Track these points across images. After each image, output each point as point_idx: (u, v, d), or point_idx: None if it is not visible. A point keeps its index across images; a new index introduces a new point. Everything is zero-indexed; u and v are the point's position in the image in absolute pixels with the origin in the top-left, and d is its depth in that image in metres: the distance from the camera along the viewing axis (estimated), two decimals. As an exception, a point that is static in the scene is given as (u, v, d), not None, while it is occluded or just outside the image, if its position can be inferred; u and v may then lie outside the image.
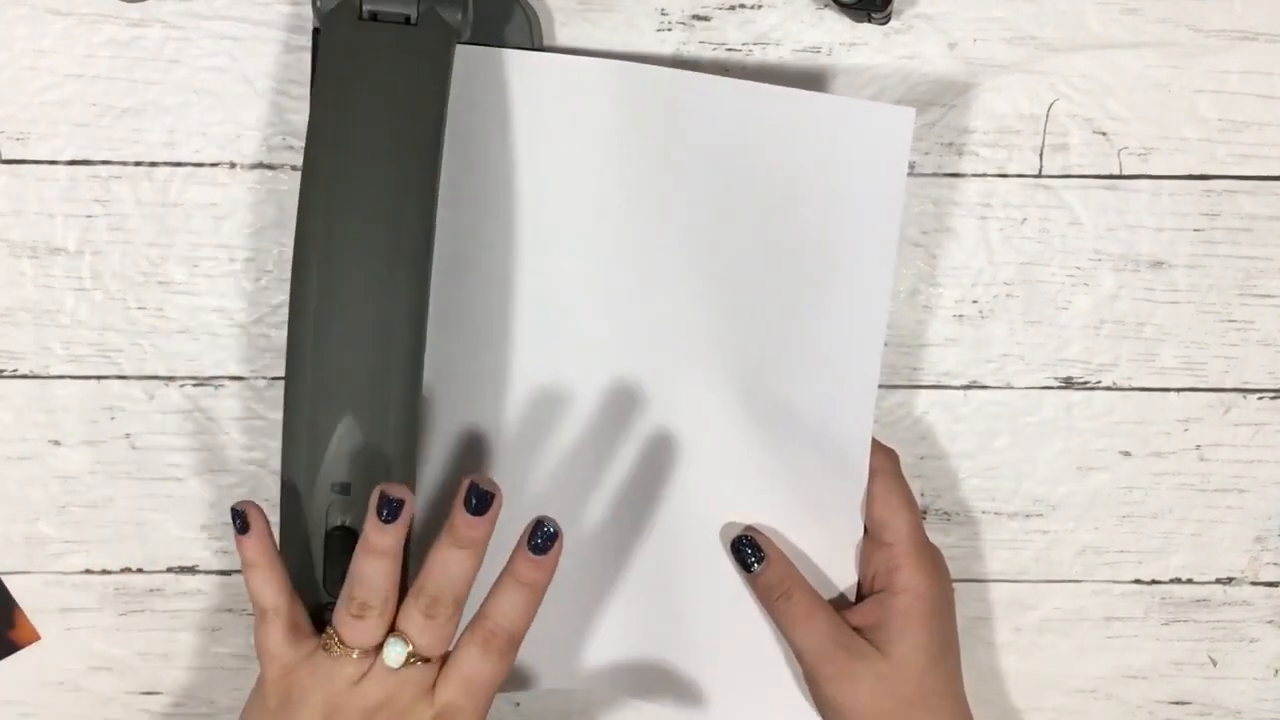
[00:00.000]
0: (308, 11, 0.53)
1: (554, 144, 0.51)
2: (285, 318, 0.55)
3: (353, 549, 0.45)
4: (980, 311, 0.56)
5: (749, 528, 0.52)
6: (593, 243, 0.51)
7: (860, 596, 0.52)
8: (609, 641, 0.54)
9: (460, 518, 0.44)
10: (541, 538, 0.45)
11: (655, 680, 0.54)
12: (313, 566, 0.47)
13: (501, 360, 0.52)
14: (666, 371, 0.52)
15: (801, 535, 0.52)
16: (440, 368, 0.52)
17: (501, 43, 0.51)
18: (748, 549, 0.52)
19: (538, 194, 0.51)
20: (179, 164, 0.55)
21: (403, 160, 0.46)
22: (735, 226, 0.51)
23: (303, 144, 0.46)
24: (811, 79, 0.54)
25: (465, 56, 0.49)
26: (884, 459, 0.51)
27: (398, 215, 0.45)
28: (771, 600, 0.51)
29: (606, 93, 0.50)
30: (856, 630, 0.50)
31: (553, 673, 0.54)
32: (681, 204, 0.51)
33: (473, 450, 0.53)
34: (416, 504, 0.52)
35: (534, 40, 0.52)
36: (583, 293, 0.52)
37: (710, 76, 0.50)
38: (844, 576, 0.52)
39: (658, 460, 0.53)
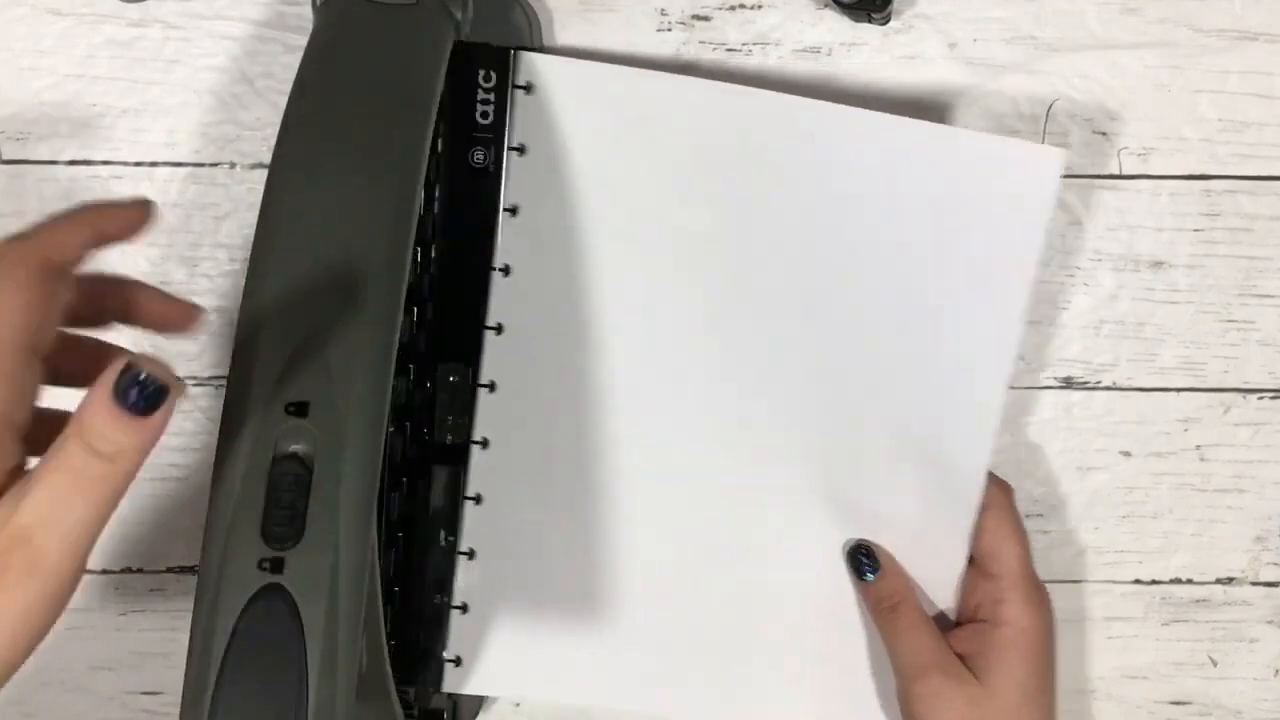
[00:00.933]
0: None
1: (658, 167, 0.51)
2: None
3: (307, 486, 0.38)
4: (980, 311, 0.56)
5: (864, 539, 0.53)
6: (705, 265, 0.51)
7: (958, 624, 0.52)
8: (692, 666, 0.54)
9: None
10: (140, 390, 0.33)
11: (738, 705, 0.54)
12: (255, 511, 0.38)
13: (608, 378, 0.53)
14: (780, 392, 0.52)
15: (906, 560, 0.52)
16: (530, 411, 0.52)
17: (501, 41, 0.51)
18: (864, 558, 0.52)
19: (640, 218, 0.51)
20: (179, 164, 0.55)
21: (399, 104, 0.43)
22: (858, 255, 0.50)
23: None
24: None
25: (556, 70, 0.50)
26: (998, 492, 0.51)
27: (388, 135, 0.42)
28: (880, 610, 0.51)
29: (724, 116, 0.50)
30: None
31: (624, 693, 0.54)
32: (801, 229, 0.50)
33: (571, 460, 0.53)
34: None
35: (533, 39, 0.52)
36: (694, 312, 0.52)
37: (836, 106, 0.49)
38: (943, 603, 0.52)
39: (767, 474, 0.53)
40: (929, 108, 0.54)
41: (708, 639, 0.54)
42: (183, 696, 0.38)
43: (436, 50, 0.45)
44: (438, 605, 0.53)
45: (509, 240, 0.52)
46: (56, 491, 0.34)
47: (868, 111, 0.49)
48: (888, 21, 0.53)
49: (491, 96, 0.51)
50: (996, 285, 0.49)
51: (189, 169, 0.55)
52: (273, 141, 0.54)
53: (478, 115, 0.51)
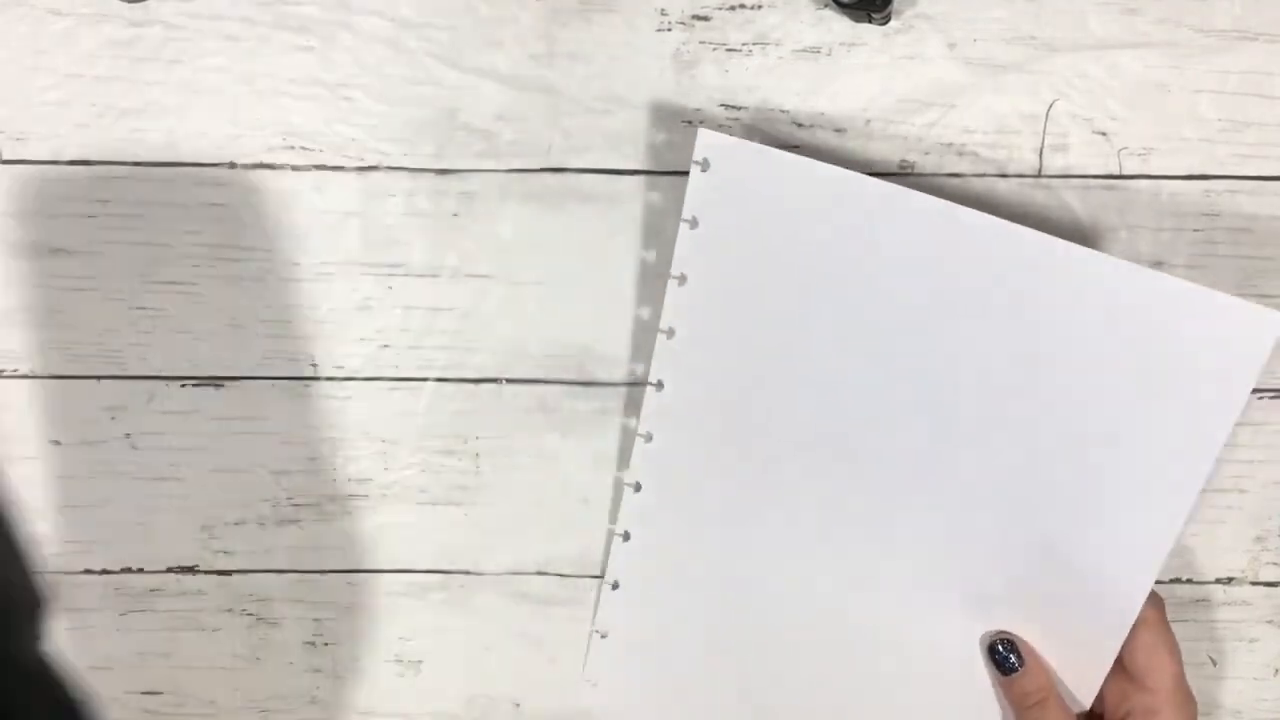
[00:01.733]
0: (309, 10, 0.53)
1: (830, 259, 0.51)
2: (287, 318, 0.56)
3: None
4: (980, 311, 0.56)
5: (1005, 632, 0.53)
6: (867, 357, 0.52)
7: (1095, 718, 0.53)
8: None
9: None
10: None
11: None
12: None
13: (760, 446, 0.54)
14: (942, 488, 0.52)
15: (1048, 656, 0.53)
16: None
17: None
18: (1008, 653, 0.52)
19: (807, 307, 0.52)
20: (179, 164, 0.55)
21: None
22: (1041, 375, 0.50)
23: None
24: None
25: (733, 151, 0.51)
26: (1152, 608, 0.51)
27: None
28: (1024, 707, 0.52)
29: (903, 223, 0.50)
30: None
31: None
32: (986, 343, 0.50)
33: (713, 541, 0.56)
34: None
35: None
36: (853, 403, 0.52)
37: (1043, 236, 0.49)
38: (1082, 702, 0.52)
39: (910, 560, 0.53)
40: (929, 107, 0.54)
41: None
42: None
43: None
44: None
45: (675, 305, 0.53)
46: None
47: (1074, 245, 0.48)
48: (888, 21, 0.53)
49: None
50: (1189, 429, 0.49)
51: (189, 169, 0.55)
52: (273, 142, 0.55)
53: None
